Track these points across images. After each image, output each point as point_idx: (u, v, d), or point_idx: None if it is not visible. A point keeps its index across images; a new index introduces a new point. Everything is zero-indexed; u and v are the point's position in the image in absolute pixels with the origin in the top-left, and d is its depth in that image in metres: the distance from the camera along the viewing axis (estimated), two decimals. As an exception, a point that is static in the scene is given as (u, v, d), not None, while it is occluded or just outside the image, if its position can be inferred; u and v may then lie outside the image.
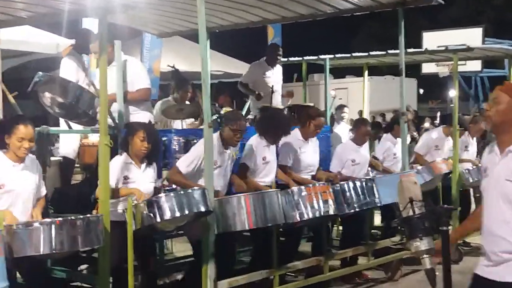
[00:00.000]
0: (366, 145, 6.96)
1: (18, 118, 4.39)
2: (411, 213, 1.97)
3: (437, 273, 2.91)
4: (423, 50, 9.07)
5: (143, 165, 4.89)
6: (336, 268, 6.36)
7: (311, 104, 8.05)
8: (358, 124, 6.90)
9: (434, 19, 26.43)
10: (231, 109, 7.68)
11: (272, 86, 7.59)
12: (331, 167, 6.62)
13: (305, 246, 6.81)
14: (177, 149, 5.94)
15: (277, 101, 7.89)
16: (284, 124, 5.83)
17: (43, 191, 4.60)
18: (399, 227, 6.72)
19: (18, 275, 4.44)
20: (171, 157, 5.89)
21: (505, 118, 2.95)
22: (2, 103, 6.91)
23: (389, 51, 8.24)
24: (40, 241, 4.00)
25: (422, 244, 1.98)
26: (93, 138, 6.02)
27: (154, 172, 5.01)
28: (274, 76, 8.01)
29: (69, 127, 5.73)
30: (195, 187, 4.75)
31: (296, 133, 6.21)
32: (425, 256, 1.93)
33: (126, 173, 4.78)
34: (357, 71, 15.18)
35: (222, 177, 5.25)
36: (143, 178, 4.85)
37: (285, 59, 9.78)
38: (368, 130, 6.79)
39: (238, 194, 5.12)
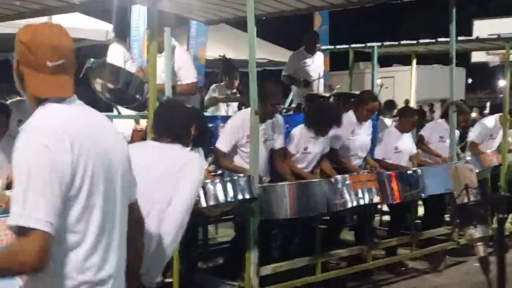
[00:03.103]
0: (409, 133, 6.88)
1: None
2: (466, 200, 1.94)
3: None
4: (473, 38, 8.88)
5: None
6: (380, 257, 6.33)
7: (357, 93, 7.99)
8: (404, 113, 6.83)
9: (485, 7, 25.75)
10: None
11: (319, 73, 7.56)
12: (375, 154, 6.58)
13: (348, 235, 6.81)
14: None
15: (320, 89, 7.88)
16: (335, 117, 5.71)
17: None
18: (451, 215, 6.65)
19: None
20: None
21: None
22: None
23: (439, 39, 8.10)
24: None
25: (476, 231, 1.94)
26: (144, 123, 6.13)
27: (200, 156, 5.08)
28: (314, 64, 8.00)
29: (119, 112, 5.85)
30: (241, 174, 4.81)
31: (350, 116, 6.17)
32: (479, 244, 1.89)
33: None
34: (403, 60, 14.95)
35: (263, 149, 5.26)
36: None
37: (332, 47, 9.73)
38: (415, 119, 6.72)
39: (283, 183, 5.14)
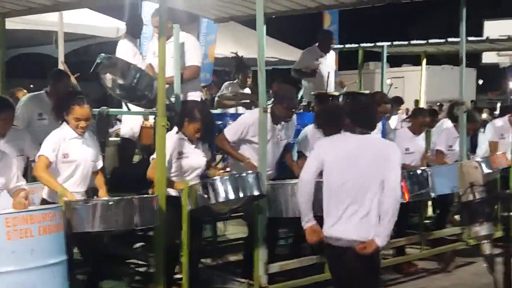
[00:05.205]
0: (422, 135, 6.85)
1: (74, 99, 4.48)
2: (471, 197, 1.93)
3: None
4: (484, 38, 8.83)
5: (195, 141, 5.03)
6: (388, 257, 6.30)
7: (366, 92, 7.97)
8: (416, 114, 6.79)
9: (497, 8, 25.58)
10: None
11: (329, 72, 7.53)
12: None
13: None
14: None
15: (331, 88, 7.84)
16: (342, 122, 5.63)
17: (100, 164, 4.72)
18: (456, 215, 6.61)
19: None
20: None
21: None
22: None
23: (449, 39, 8.06)
24: (97, 218, 4.14)
25: (482, 229, 1.92)
26: (153, 120, 6.14)
27: (207, 148, 5.14)
28: (326, 62, 7.97)
29: (128, 108, 5.86)
30: (249, 171, 4.82)
31: None
32: (484, 241, 1.87)
33: (180, 149, 4.92)
34: (413, 60, 14.90)
35: (271, 150, 5.30)
36: (196, 153, 5.01)
37: (341, 46, 9.71)
38: (426, 120, 6.69)
39: (292, 181, 5.12)
